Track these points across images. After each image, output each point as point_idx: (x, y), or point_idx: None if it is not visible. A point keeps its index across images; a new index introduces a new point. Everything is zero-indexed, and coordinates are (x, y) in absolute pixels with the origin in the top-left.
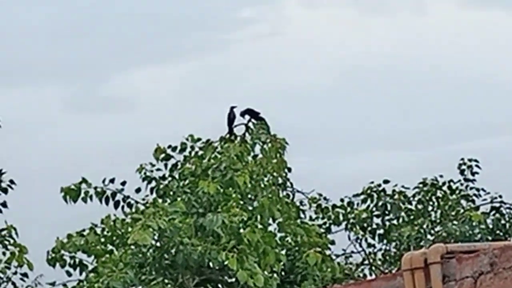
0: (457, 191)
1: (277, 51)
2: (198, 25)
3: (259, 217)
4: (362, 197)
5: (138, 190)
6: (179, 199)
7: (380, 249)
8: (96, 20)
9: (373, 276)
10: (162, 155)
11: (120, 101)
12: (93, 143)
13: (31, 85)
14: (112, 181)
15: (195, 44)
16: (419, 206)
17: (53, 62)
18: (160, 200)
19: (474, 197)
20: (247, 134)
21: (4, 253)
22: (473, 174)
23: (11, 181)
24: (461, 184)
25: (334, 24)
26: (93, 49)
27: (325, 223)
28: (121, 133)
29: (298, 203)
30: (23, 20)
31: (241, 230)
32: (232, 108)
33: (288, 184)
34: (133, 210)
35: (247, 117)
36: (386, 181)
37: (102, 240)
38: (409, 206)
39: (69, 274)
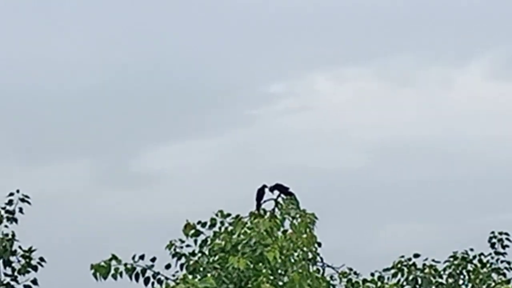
0: (488, 265)
1: (306, 126)
2: (227, 100)
3: None
4: (392, 271)
5: (168, 266)
6: (209, 275)
7: None
8: (125, 95)
9: None
10: (192, 231)
11: (149, 176)
12: (122, 219)
13: (60, 160)
14: (142, 257)
15: (224, 119)
16: (450, 280)
17: (83, 137)
18: (190, 276)
19: (505, 270)
20: (276, 209)
21: None
22: (504, 247)
23: (41, 259)
24: (492, 258)
25: (362, 98)
26: (123, 124)
27: None
28: (150, 208)
29: (328, 278)
30: (51, 96)
31: None
32: (264, 186)
33: (318, 258)
34: (163, 286)
35: (276, 192)
36: (416, 255)
37: None
38: (440, 280)
39: None
